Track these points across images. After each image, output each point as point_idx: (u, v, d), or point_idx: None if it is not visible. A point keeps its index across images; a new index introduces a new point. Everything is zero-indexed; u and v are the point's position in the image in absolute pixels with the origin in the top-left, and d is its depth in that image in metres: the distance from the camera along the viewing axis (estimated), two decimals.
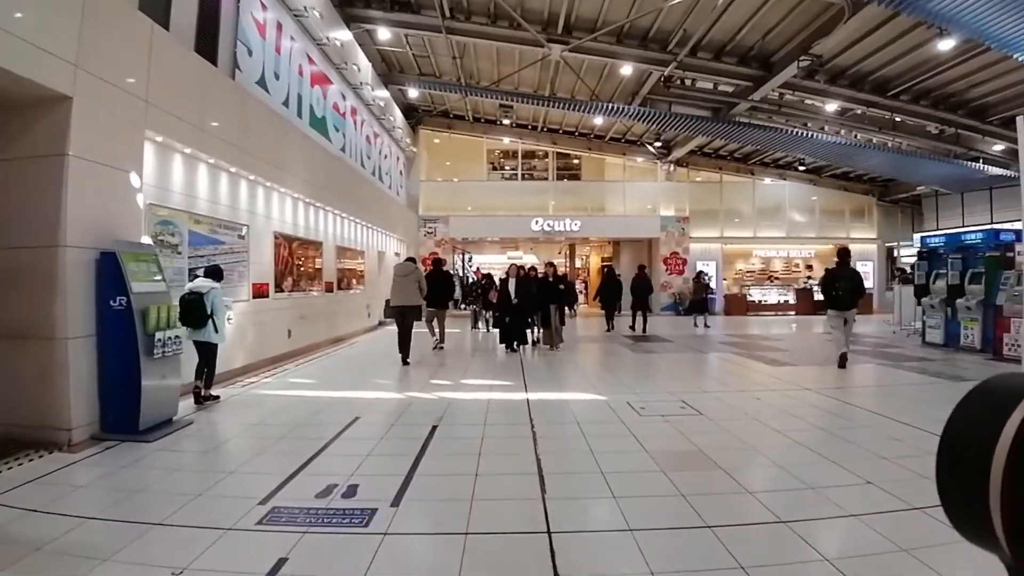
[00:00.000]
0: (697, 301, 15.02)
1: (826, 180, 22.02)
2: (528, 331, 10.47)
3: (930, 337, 11.28)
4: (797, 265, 22.45)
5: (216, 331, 5.71)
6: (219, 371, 6.75)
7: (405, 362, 8.24)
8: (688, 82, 14.26)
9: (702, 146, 19.75)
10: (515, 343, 10.06)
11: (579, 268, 29.70)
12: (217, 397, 5.91)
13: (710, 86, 14.54)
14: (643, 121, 15.65)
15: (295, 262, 9.41)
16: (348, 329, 12.14)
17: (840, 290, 7.86)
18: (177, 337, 4.91)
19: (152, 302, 4.73)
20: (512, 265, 10.52)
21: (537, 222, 19.57)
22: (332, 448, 4.28)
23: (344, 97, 12.55)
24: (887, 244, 22.63)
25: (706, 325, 14.54)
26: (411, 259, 9.51)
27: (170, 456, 4.16)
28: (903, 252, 23.21)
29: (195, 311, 5.54)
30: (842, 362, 7.89)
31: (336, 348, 10.51)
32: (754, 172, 21.36)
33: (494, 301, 11.83)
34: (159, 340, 4.66)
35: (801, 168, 20.74)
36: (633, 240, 21.63)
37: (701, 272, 15.40)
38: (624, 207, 20.29)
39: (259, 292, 8.00)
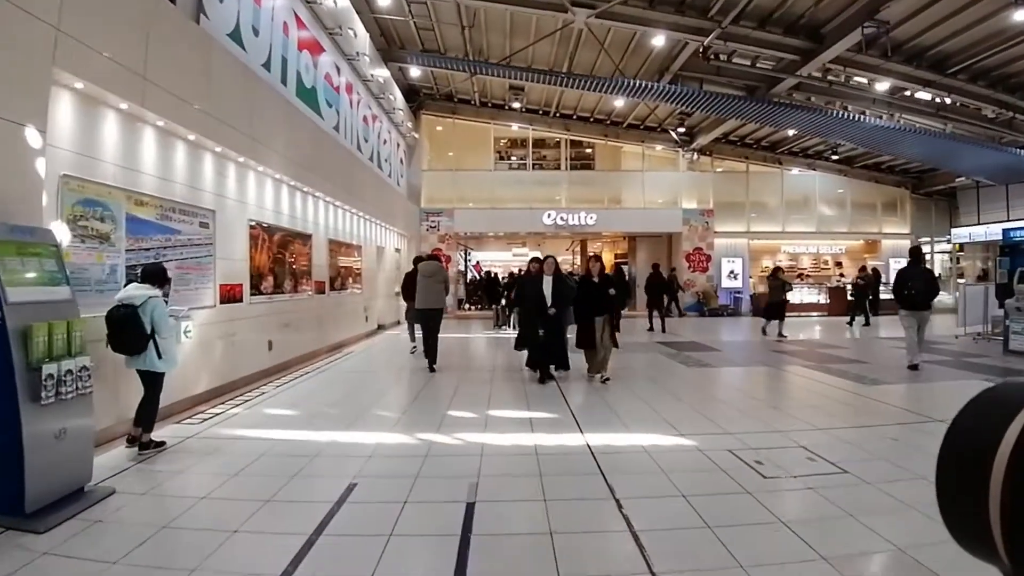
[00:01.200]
0: (775, 304, 12.30)
1: (857, 171, 20.50)
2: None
3: (1015, 344, 9.74)
4: (826, 262, 20.94)
5: (160, 356, 4.09)
6: (175, 399, 5.15)
7: (432, 369, 7.65)
8: (725, 57, 12.69)
9: (728, 133, 18.17)
10: (551, 368, 6.96)
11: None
12: (161, 444, 4.28)
13: (748, 62, 12.98)
14: (672, 101, 14.04)
15: (277, 258, 7.76)
16: (343, 336, 10.51)
17: (913, 289, 7.57)
18: (84, 369, 3.27)
19: (42, 317, 3.11)
20: (549, 258, 7.26)
21: (549, 215, 17.96)
22: (315, 555, 2.66)
23: (339, 70, 10.89)
24: (920, 239, 21.15)
25: (780, 335, 11.89)
26: (434, 257, 8.89)
27: (60, 567, 2.54)
28: (938, 248, 21.81)
29: (128, 330, 3.92)
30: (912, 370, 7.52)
31: (329, 360, 8.87)
32: (782, 162, 19.81)
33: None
34: (49, 376, 3.03)
35: (834, 158, 19.19)
36: (650, 235, 20.07)
37: (778, 268, 13.54)
38: (643, 199, 18.69)
39: (229, 295, 6.36)
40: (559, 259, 17.39)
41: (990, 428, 0.40)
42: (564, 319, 7.06)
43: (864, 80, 13.78)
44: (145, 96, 4.74)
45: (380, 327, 13.47)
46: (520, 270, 26.23)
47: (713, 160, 19.22)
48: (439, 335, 7.81)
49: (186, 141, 5.54)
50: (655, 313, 13.76)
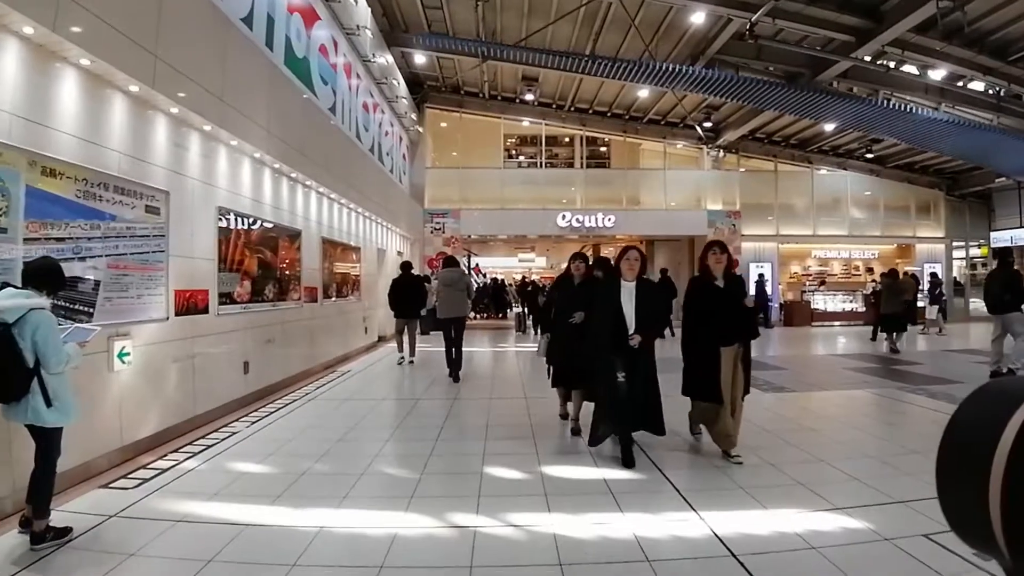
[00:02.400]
0: (904, 312, 10.44)
1: (890, 171, 19.19)
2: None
3: None
4: (857, 268, 19.59)
5: (49, 403, 2.59)
6: (102, 451, 3.66)
7: (456, 379, 7.31)
8: (768, 37, 11.37)
9: (757, 129, 16.85)
10: (625, 439, 4.06)
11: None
12: (65, 532, 2.77)
13: (790, 45, 11.68)
14: (705, 89, 12.65)
15: (258, 259, 6.27)
16: (339, 351, 9.01)
17: (992, 293, 7.46)
18: None
19: None
20: (631, 250, 4.26)
21: (564, 217, 16.52)
22: None
23: (336, 46, 9.44)
24: (954, 243, 19.85)
25: (894, 349, 10.26)
26: (454, 260, 8.13)
27: None
28: (972, 252, 20.51)
29: None
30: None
31: (322, 382, 7.35)
32: (812, 161, 18.48)
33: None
34: None
35: (868, 156, 17.88)
36: (669, 239, 18.64)
37: (908, 273, 11.55)
38: (665, 200, 17.29)
39: (189, 305, 4.85)
40: (560, 267, 16.25)
41: (991, 420, 0.40)
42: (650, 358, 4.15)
43: (914, 69, 12.52)
44: (60, 17, 3.27)
45: (381, 339, 11.95)
46: (524, 276, 24.94)
47: (739, 158, 17.86)
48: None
49: (126, 94, 4.06)
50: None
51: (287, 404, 6.01)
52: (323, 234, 8.42)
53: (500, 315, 20.33)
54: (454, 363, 7.28)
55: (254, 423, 5.20)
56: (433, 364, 8.87)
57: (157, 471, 3.81)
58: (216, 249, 5.35)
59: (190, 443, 4.47)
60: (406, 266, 9.36)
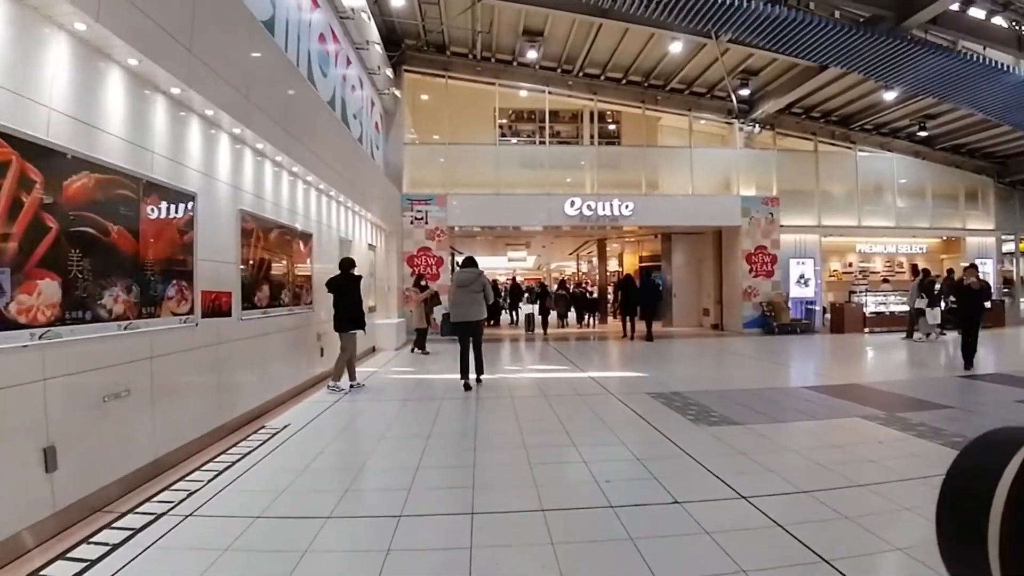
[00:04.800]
0: (975, 310, 8.52)
1: (937, 154, 16.85)
2: None
3: None
4: (901, 264, 17.19)
5: None
6: None
7: (467, 387, 6.60)
8: None
9: (798, 100, 14.24)
10: None
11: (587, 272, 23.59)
12: None
13: None
14: (764, 35, 9.88)
15: (80, 238, 3.16)
16: (272, 393, 5.94)
17: None
18: None
19: None
20: None
21: (573, 204, 13.65)
22: None
23: None
24: (1004, 236, 17.63)
25: (967, 365, 8.13)
26: (471, 259, 7.20)
27: None
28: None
29: None
30: None
31: (221, 462, 4.28)
32: (854, 141, 15.99)
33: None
34: None
35: (922, 134, 15.44)
36: (690, 232, 15.96)
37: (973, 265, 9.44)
38: (692, 183, 14.54)
39: None
40: (549, 268, 13.51)
41: (989, 467, 0.40)
42: None
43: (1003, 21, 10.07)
44: None
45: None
46: (513, 278, 21.90)
47: (776, 136, 15.24)
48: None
49: None
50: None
51: (144, 528, 2.93)
52: (244, 205, 5.35)
53: (491, 322, 17.42)
54: (478, 368, 6.84)
55: None
56: (406, 389, 5.89)
57: None
58: None
59: None
60: (346, 264, 6.76)
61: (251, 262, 5.48)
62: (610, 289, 18.73)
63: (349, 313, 6.57)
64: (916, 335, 12.29)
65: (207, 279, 4.64)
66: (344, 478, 3.72)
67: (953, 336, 11.15)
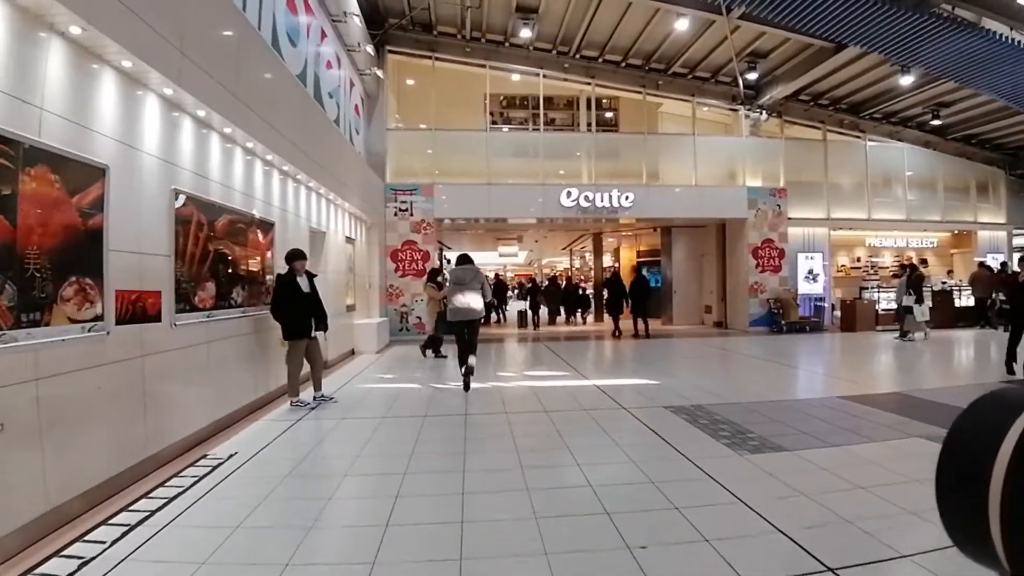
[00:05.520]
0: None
1: (947, 144, 16.15)
2: None
3: None
4: (910, 259, 16.47)
5: None
6: None
7: (464, 386, 6.37)
8: None
9: (807, 86, 13.43)
10: None
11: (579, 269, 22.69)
12: None
13: None
14: (778, 9, 9.04)
15: None
16: (221, 411, 4.97)
17: None
18: None
19: None
20: None
21: (570, 194, 12.74)
22: None
23: None
24: (1016, 230, 17.00)
25: (1010, 371, 7.06)
26: (467, 256, 6.88)
27: None
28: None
29: None
30: None
31: (153, 498, 3.33)
32: (863, 130, 15.22)
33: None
34: None
35: (936, 122, 14.70)
36: (692, 225, 15.15)
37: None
38: (695, 174, 13.67)
39: None
40: (541, 264, 12.92)
41: (990, 431, 0.39)
42: None
43: None
44: None
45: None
46: (498, 275, 20.98)
47: (783, 124, 14.42)
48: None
49: None
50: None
51: None
52: (182, 185, 4.37)
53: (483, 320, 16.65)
54: (468, 369, 6.53)
55: None
56: (384, 403, 4.95)
57: None
58: None
59: None
60: (293, 256, 5.70)
61: (191, 254, 4.51)
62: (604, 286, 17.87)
63: (296, 318, 5.52)
64: (908, 335, 11.42)
65: (125, 275, 3.67)
66: (288, 542, 2.77)
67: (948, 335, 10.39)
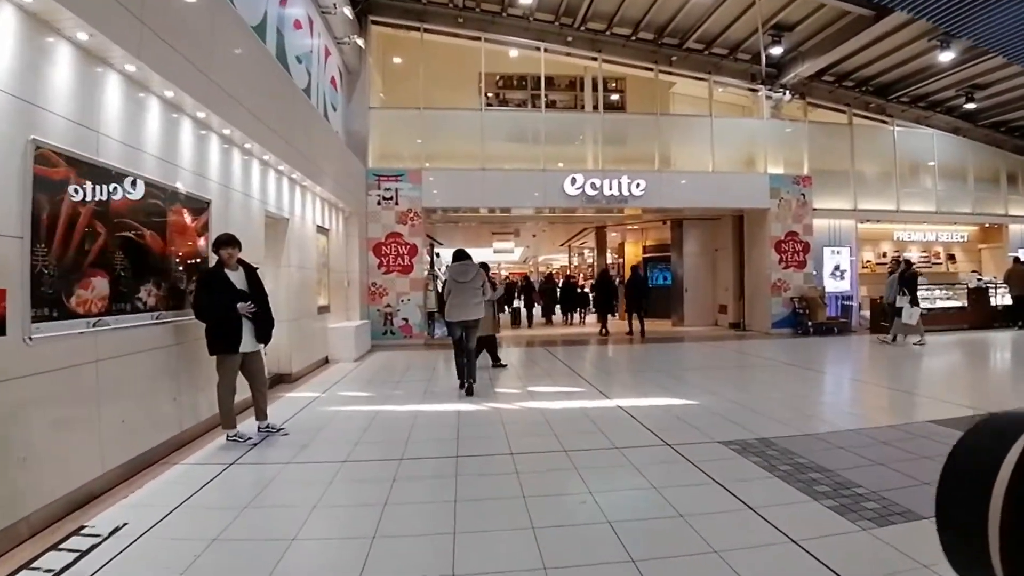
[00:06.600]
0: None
1: (978, 131, 14.99)
2: None
3: None
4: (938, 255, 15.33)
5: None
6: None
7: (466, 391, 6.03)
8: None
9: (834, 64, 12.19)
10: None
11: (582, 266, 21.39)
12: None
13: None
14: None
15: None
16: (121, 457, 3.58)
17: None
18: None
19: None
20: None
21: (574, 181, 11.41)
22: None
23: None
24: None
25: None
26: (464, 252, 6.47)
27: None
28: None
29: None
30: None
31: None
32: (891, 114, 14.01)
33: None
34: None
35: (969, 106, 13.51)
36: (705, 217, 13.90)
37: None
38: (712, 159, 12.38)
39: None
40: (537, 261, 11.79)
41: (990, 452, 0.39)
42: None
43: None
44: None
45: (280, 379, 6.53)
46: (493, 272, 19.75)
47: (806, 106, 13.16)
48: None
49: None
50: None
51: None
52: (43, 135, 2.99)
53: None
54: (468, 372, 6.14)
55: None
56: (350, 436, 3.59)
57: None
58: None
59: None
60: (223, 240, 4.26)
61: (64, 237, 3.13)
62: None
63: (223, 324, 4.17)
64: (900, 337, 10.20)
65: None
66: None
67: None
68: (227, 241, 4.23)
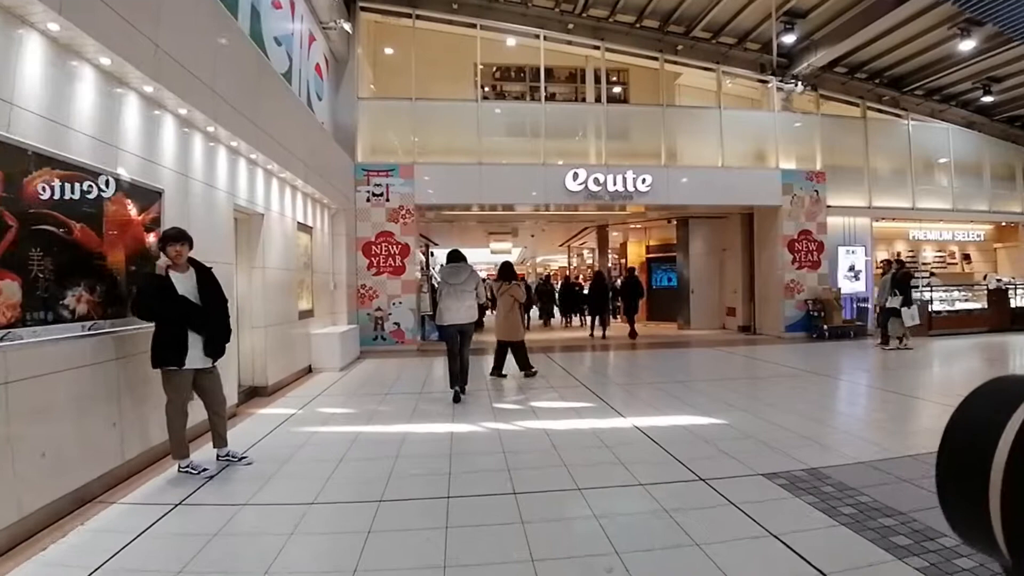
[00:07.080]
0: None
1: (994, 126, 14.44)
2: None
3: None
4: (953, 254, 14.77)
5: None
6: None
7: (453, 397, 5.83)
8: None
9: (848, 54, 11.61)
10: None
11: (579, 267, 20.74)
12: None
13: None
14: None
15: None
16: (35, 503, 2.89)
17: None
18: None
19: None
20: None
21: (577, 176, 10.77)
22: None
23: None
24: None
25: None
26: (458, 253, 6.26)
27: None
28: None
29: None
30: None
31: None
32: (905, 107, 13.42)
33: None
34: None
35: (986, 99, 12.95)
36: (712, 215, 13.31)
37: None
38: (722, 154, 11.75)
39: None
40: (535, 262, 11.43)
41: (991, 419, 0.39)
42: None
43: None
44: None
45: (252, 393, 5.86)
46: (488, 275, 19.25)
47: (819, 99, 12.56)
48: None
49: None
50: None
51: None
52: None
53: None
54: (459, 377, 5.95)
55: None
56: (325, 465, 2.93)
57: None
58: None
59: None
60: (169, 236, 3.64)
61: None
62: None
63: (167, 334, 3.52)
64: (902, 341, 9.63)
65: None
66: None
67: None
68: (175, 236, 3.57)
